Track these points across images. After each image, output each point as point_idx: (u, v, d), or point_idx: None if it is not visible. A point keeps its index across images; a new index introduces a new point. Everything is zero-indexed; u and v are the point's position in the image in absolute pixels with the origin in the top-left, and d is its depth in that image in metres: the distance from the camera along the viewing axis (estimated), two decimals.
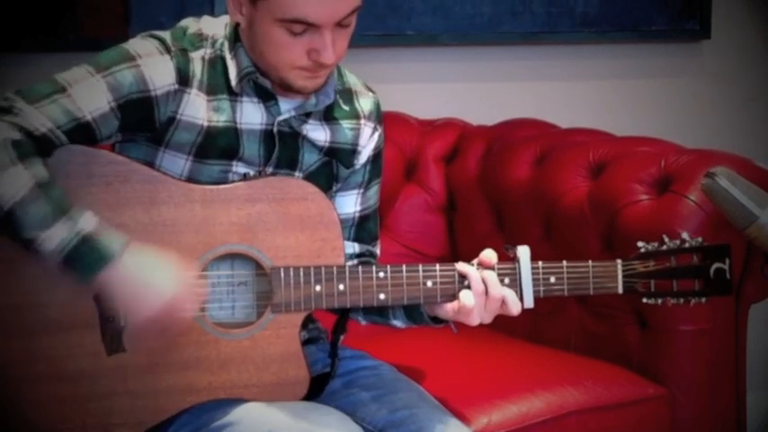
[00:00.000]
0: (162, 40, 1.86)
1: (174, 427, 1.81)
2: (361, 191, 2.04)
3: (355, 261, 2.03)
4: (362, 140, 2.01)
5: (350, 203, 2.03)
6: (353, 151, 2.00)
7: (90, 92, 1.79)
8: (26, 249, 1.70)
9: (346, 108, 1.99)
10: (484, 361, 2.35)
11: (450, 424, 1.86)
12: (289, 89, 1.87)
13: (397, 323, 1.98)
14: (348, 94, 2.01)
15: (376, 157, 2.04)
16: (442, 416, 1.88)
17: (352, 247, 2.03)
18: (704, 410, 2.30)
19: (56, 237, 1.68)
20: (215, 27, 1.91)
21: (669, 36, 3.12)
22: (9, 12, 2.73)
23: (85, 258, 1.69)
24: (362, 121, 2.01)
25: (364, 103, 2.02)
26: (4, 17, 2.73)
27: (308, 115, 1.93)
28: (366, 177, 2.04)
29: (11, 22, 2.74)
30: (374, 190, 2.06)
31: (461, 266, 1.85)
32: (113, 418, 1.78)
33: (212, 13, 1.99)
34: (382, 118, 2.06)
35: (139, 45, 1.85)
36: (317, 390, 1.90)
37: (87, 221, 1.70)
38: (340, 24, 1.80)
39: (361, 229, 2.04)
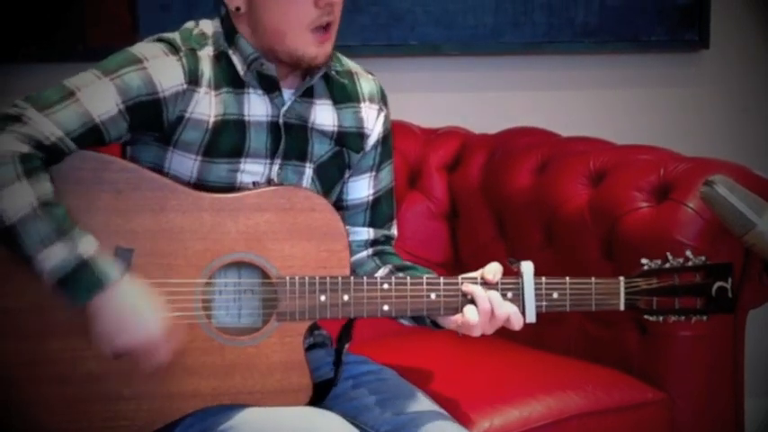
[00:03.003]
0: (169, 42, 1.88)
1: (178, 430, 1.83)
2: (373, 173, 2.05)
3: (370, 250, 2.04)
4: (368, 123, 2.03)
5: (363, 188, 2.05)
6: (361, 134, 2.02)
7: (98, 95, 1.80)
8: (26, 266, 1.71)
9: (345, 81, 2.01)
10: (486, 366, 2.36)
11: (452, 428, 1.88)
12: (300, 64, 1.88)
13: (404, 321, 2.00)
14: (348, 75, 2.03)
15: (385, 139, 2.06)
16: (444, 420, 1.89)
17: (367, 233, 2.05)
18: (703, 415, 2.31)
19: (55, 257, 1.70)
20: (211, 27, 1.94)
21: (668, 46, 3.13)
22: (16, 21, 2.75)
23: (82, 282, 1.71)
24: (364, 104, 2.03)
25: (365, 85, 2.04)
26: (11, 27, 2.75)
27: (311, 95, 1.96)
28: (377, 160, 2.05)
29: (18, 32, 2.76)
30: (386, 171, 2.07)
31: (467, 287, 1.86)
32: (119, 422, 1.80)
33: None
34: (387, 99, 2.07)
35: (145, 48, 1.87)
36: (320, 395, 1.91)
37: (88, 245, 1.72)
38: None
39: (375, 211, 2.06)
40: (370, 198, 2.06)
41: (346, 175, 2.03)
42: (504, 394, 2.18)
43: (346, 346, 1.96)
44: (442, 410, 1.93)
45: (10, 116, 1.76)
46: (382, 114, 2.05)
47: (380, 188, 2.07)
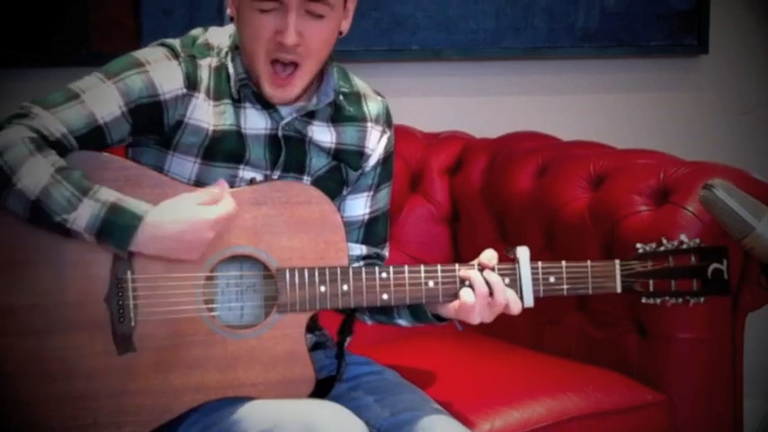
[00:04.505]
0: (170, 47, 1.91)
1: (183, 425, 1.84)
2: (371, 193, 2.07)
3: (362, 263, 2.05)
4: (370, 143, 2.05)
5: (359, 206, 2.06)
6: (361, 153, 2.04)
7: (102, 97, 1.84)
8: (60, 232, 1.75)
9: (352, 109, 2.02)
10: (487, 367, 2.37)
11: (452, 426, 1.89)
12: (261, 96, 1.90)
13: (402, 322, 2.01)
14: (356, 97, 2.04)
15: (386, 161, 2.08)
16: (446, 419, 1.90)
17: (360, 249, 2.06)
18: (702, 417, 2.31)
19: (84, 214, 1.73)
20: (220, 37, 1.96)
21: (668, 51, 3.14)
22: (19, 25, 2.76)
23: (118, 224, 1.74)
24: (370, 124, 2.04)
25: (372, 107, 2.06)
26: (14, 31, 2.76)
27: (312, 117, 1.97)
28: (376, 180, 2.07)
29: (20, 36, 2.77)
30: (384, 193, 2.09)
31: (463, 272, 1.87)
32: (124, 417, 1.81)
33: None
34: (392, 122, 2.09)
35: (148, 52, 1.91)
36: (323, 393, 1.92)
37: (109, 193, 1.75)
38: (309, 12, 1.84)
39: (370, 231, 2.07)
40: (366, 217, 2.07)
41: (344, 192, 2.05)
42: (505, 396, 2.19)
43: (348, 339, 1.98)
44: (443, 410, 1.94)
45: (17, 114, 1.80)
46: (385, 137, 2.07)
47: (377, 209, 2.09)
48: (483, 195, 2.72)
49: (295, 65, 1.88)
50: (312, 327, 1.96)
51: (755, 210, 1.82)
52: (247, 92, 1.93)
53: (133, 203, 1.76)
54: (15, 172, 1.74)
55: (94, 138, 1.83)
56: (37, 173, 1.74)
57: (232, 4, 1.92)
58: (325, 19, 1.87)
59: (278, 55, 1.86)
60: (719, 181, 1.84)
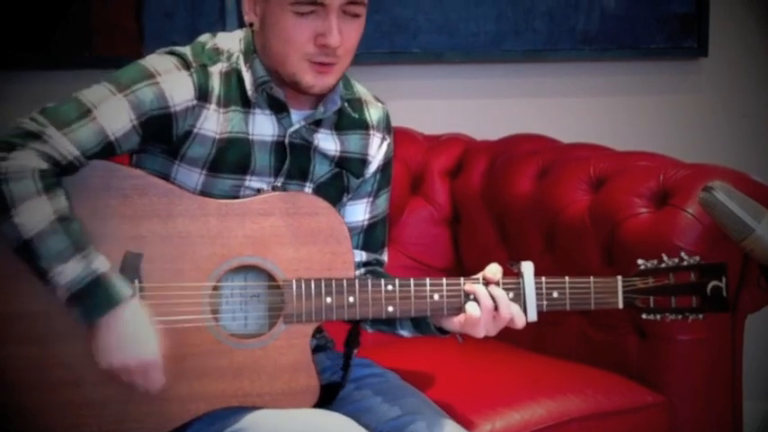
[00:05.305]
0: (181, 56, 1.89)
1: None
2: (371, 199, 2.08)
3: (362, 270, 2.06)
4: (372, 150, 2.05)
5: (359, 212, 2.07)
6: (363, 161, 2.04)
7: (113, 112, 1.82)
8: (40, 279, 1.73)
9: (356, 116, 2.02)
10: (487, 369, 2.38)
11: (453, 429, 1.90)
12: (298, 89, 1.89)
13: (404, 333, 2.02)
14: (357, 104, 2.04)
15: (386, 167, 2.08)
16: (446, 422, 1.91)
17: (360, 255, 2.06)
18: (701, 418, 2.33)
19: (70, 272, 1.71)
20: (229, 42, 1.95)
21: (668, 54, 3.15)
22: (21, 28, 2.76)
23: (95, 298, 1.73)
24: (371, 131, 2.05)
25: (373, 113, 2.06)
26: (16, 34, 2.76)
27: (318, 124, 1.98)
28: (375, 186, 2.08)
29: (23, 39, 2.77)
30: (383, 198, 2.10)
31: (468, 286, 1.88)
32: (128, 424, 1.81)
33: (224, 31, 2.04)
34: (392, 128, 2.10)
35: (158, 62, 1.89)
36: (327, 398, 1.93)
37: (102, 263, 1.74)
38: (346, 12, 1.85)
39: (369, 236, 2.08)
40: (366, 223, 2.08)
41: (345, 199, 2.05)
42: (506, 397, 2.20)
43: (355, 351, 1.98)
44: (443, 412, 1.95)
45: (31, 133, 1.77)
46: (385, 143, 2.07)
47: (376, 214, 2.09)
48: (483, 197, 2.72)
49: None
50: (314, 330, 1.96)
51: (755, 212, 1.82)
52: (261, 97, 1.93)
53: (118, 285, 1.74)
54: (16, 206, 1.72)
55: (105, 152, 1.83)
56: (37, 215, 1.72)
57: (251, 11, 1.90)
58: (360, 18, 1.88)
59: (317, 58, 1.86)
60: (719, 183, 1.84)
